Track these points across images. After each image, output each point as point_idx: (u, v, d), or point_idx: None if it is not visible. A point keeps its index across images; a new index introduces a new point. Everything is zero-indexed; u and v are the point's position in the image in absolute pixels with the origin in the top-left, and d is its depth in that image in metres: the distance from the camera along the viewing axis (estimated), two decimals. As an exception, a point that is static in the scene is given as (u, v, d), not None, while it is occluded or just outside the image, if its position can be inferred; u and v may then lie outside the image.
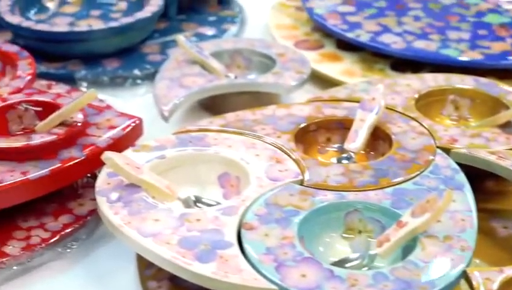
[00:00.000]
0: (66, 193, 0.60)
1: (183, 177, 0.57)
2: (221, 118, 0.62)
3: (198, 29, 0.89)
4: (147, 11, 0.82)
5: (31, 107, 0.62)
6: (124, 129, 0.60)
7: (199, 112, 0.75)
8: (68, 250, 0.57)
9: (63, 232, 0.56)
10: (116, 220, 0.50)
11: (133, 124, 0.61)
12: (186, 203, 0.54)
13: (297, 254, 0.47)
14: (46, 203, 0.59)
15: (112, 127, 0.60)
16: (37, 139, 0.57)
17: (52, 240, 0.56)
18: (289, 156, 0.57)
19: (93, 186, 0.59)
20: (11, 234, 0.56)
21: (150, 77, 0.79)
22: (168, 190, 0.54)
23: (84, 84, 0.78)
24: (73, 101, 0.58)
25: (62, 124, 0.59)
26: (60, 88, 0.72)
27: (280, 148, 0.57)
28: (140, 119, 0.62)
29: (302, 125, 0.60)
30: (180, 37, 0.75)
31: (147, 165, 0.55)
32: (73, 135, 0.58)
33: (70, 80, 0.77)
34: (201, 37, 0.86)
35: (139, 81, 0.79)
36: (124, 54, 0.82)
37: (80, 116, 0.59)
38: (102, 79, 0.78)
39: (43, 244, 0.55)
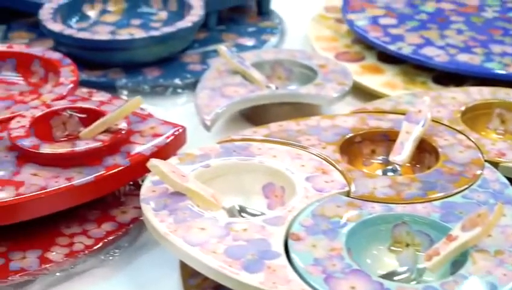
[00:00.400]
0: (108, 200, 0.60)
1: (227, 187, 0.56)
2: (264, 128, 0.62)
3: (238, 40, 0.89)
4: (188, 21, 0.82)
5: (75, 114, 0.62)
6: (168, 137, 0.60)
7: (239, 121, 0.75)
8: (111, 257, 0.56)
9: (106, 240, 0.56)
10: (162, 228, 0.49)
11: (177, 133, 0.61)
12: (231, 212, 0.54)
13: (346, 266, 0.46)
14: (89, 210, 0.59)
15: (156, 135, 0.60)
16: (82, 146, 0.57)
17: (95, 247, 0.56)
18: (335, 167, 0.56)
19: (135, 194, 0.60)
20: (55, 240, 0.56)
21: (190, 86, 0.79)
22: (213, 198, 0.53)
23: (125, 92, 0.78)
24: (119, 108, 0.58)
25: (106, 131, 0.59)
26: (101, 96, 0.72)
27: (325, 159, 0.57)
28: (183, 128, 0.61)
29: (348, 136, 0.60)
30: (222, 47, 0.75)
31: (191, 173, 0.55)
32: (118, 142, 0.58)
33: (110, 88, 0.77)
34: (241, 48, 0.86)
35: (179, 90, 0.79)
36: (164, 63, 0.82)
37: (124, 124, 0.59)
38: (143, 88, 0.78)
39: (86, 251, 0.55)
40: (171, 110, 0.76)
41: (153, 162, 0.52)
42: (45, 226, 0.57)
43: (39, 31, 0.89)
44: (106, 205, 0.59)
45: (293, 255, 0.47)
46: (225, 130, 0.73)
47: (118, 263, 0.56)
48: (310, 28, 0.91)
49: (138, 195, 0.59)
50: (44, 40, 0.86)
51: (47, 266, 0.54)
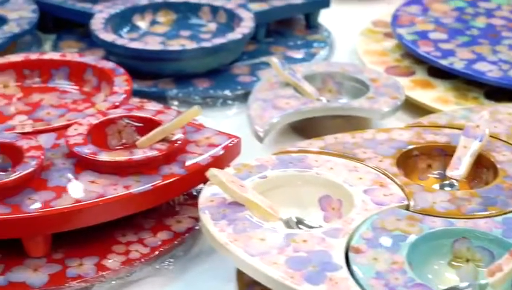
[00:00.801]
0: (163, 209, 0.60)
1: (283, 198, 0.56)
2: (320, 140, 0.62)
3: (287, 52, 0.89)
4: (238, 33, 0.82)
5: (132, 122, 0.62)
6: (224, 148, 0.60)
7: (288, 133, 0.75)
8: (166, 266, 0.56)
9: (161, 249, 0.56)
10: (222, 238, 0.49)
11: (232, 143, 0.61)
12: (288, 224, 0.54)
13: (409, 280, 0.46)
14: (144, 218, 0.59)
15: (211, 145, 0.60)
16: (139, 154, 0.57)
17: (151, 256, 0.56)
18: (393, 180, 0.56)
19: (189, 204, 0.60)
20: (111, 248, 0.56)
21: (240, 98, 0.79)
22: (271, 210, 0.53)
23: (175, 103, 0.78)
24: (177, 118, 0.58)
25: (163, 140, 0.59)
26: (152, 106, 0.73)
27: (383, 173, 0.56)
28: (239, 139, 0.61)
29: (405, 149, 0.59)
30: (274, 59, 0.75)
31: (249, 184, 0.55)
32: (174, 151, 0.58)
33: (161, 99, 0.77)
34: (290, 60, 0.86)
35: (229, 101, 0.79)
36: (214, 74, 0.82)
37: (180, 134, 0.59)
38: (194, 98, 0.79)
39: (143, 260, 0.55)
40: (222, 121, 0.76)
41: (213, 172, 0.52)
42: (101, 233, 0.57)
43: (88, 41, 0.90)
44: (161, 214, 0.60)
45: (354, 267, 0.47)
46: (275, 141, 0.73)
47: (173, 272, 0.56)
48: (358, 42, 0.91)
49: (192, 205, 0.60)
50: (94, 50, 0.87)
51: (104, 273, 0.54)
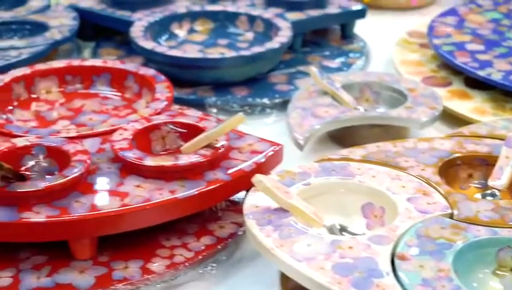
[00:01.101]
0: (205, 214, 0.61)
1: (326, 205, 0.56)
2: (361, 148, 0.62)
3: (323, 62, 0.90)
4: (276, 42, 0.83)
5: (176, 128, 0.63)
6: (266, 154, 0.60)
7: (326, 142, 0.75)
8: (209, 271, 0.57)
9: (205, 253, 0.57)
10: (268, 243, 0.50)
11: (275, 150, 0.61)
12: (331, 231, 0.54)
13: (456, 288, 0.46)
14: (187, 223, 0.60)
15: (254, 152, 0.61)
16: (184, 160, 0.58)
17: (195, 260, 0.56)
18: (436, 189, 0.56)
19: (231, 210, 0.61)
20: (155, 251, 0.57)
21: (278, 106, 0.80)
22: (315, 216, 0.53)
23: (214, 110, 0.79)
24: (221, 124, 0.59)
25: (207, 146, 0.59)
26: (192, 113, 0.73)
27: (426, 181, 0.57)
28: (281, 146, 0.62)
29: (448, 159, 0.60)
30: (313, 68, 0.76)
31: (293, 190, 0.55)
32: (219, 157, 0.59)
33: (199, 106, 0.78)
34: (326, 70, 0.86)
35: (268, 110, 0.80)
36: (252, 82, 0.83)
37: (224, 140, 0.60)
38: (232, 106, 0.79)
39: (187, 264, 0.56)
40: (260, 129, 0.76)
41: (258, 178, 0.53)
42: (145, 237, 0.58)
43: (127, 48, 0.91)
44: (204, 219, 0.60)
45: (400, 274, 0.47)
46: (313, 149, 0.73)
47: (216, 277, 0.57)
48: (394, 52, 0.91)
49: (234, 210, 0.61)
50: (133, 57, 0.88)
51: (149, 276, 0.54)
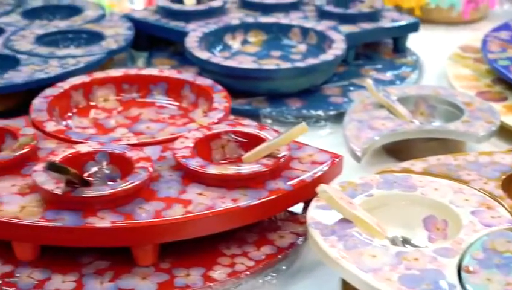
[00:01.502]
0: (264, 223, 0.61)
1: (388, 217, 0.56)
2: (422, 161, 0.62)
3: (376, 75, 0.90)
4: (331, 54, 0.83)
5: (237, 138, 0.63)
6: (328, 165, 0.61)
7: (381, 154, 0.75)
8: (269, 280, 0.57)
9: (265, 262, 0.57)
10: (333, 253, 0.50)
11: (336, 161, 0.61)
12: (394, 242, 0.54)
13: (525, 302, 0.46)
14: (246, 232, 0.60)
15: (314, 163, 0.61)
16: (247, 169, 0.58)
17: (255, 269, 0.56)
18: (499, 203, 0.56)
19: (290, 220, 0.61)
20: (216, 259, 0.57)
21: (332, 118, 0.80)
22: (378, 227, 0.53)
23: (269, 121, 0.79)
24: (284, 134, 0.59)
25: (268, 155, 0.60)
26: (248, 123, 0.73)
27: (489, 195, 0.56)
28: (341, 157, 0.62)
29: (510, 173, 0.59)
30: (369, 81, 0.75)
31: (355, 201, 0.55)
32: (280, 167, 0.59)
33: (253, 117, 0.78)
34: (379, 83, 0.86)
35: (322, 121, 0.80)
36: (306, 94, 0.83)
37: (285, 150, 0.60)
38: (286, 117, 0.79)
39: (248, 272, 0.56)
40: (315, 140, 0.76)
41: (323, 188, 0.53)
42: (205, 245, 0.58)
43: (180, 58, 0.92)
44: (263, 229, 0.60)
45: (468, 287, 0.47)
46: (367, 161, 0.73)
47: (276, 286, 0.57)
48: (447, 67, 0.91)
49: (292, 220, 0.61)
50: (186, 67, 0.89)
51: (211, 284, 0.55)
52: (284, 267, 0.58)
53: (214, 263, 0.57)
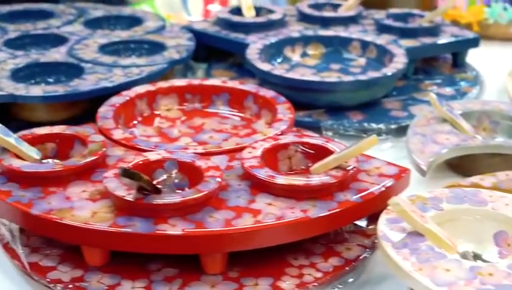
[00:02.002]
0: (330, 235, 0.61)
1: (457, 231, 0.56)
2: (491, 176, 0.62)
3: (436, 90, 0.89)
4: (392, 68, 0.83)
5: (305, 149, 0.63)
6: (395, 178, 0.60)
7: (443, 169, 0.75)
8: (336, 292, 0.57)
9: (333, 274, 0.57)
10: (406, 266, 0.50)
11: (404, 175, 0.61)
12: (464, 257, 0.54)
13: None
14: (313, 243, 0.60)
15: (382, 175, 0.61)
16: (316, 180, 0.58)
17: (323, 280, 0.56)
18: None
19: (355, 232, 0.61)
20: (284, 270, 0.57)
21: (393, 132, 0.80)
22: (450, 242, 0.53)
23: (329, 133, 0.79)
24: (354, 146, 0.59)
25: (336, 167, 0.60)
26: (311, 135, 0.74)
27: (562, 212, 0.56)
28: (408, 171, 0.62)
29: None
30: (432, 95, 0.75)
31: (426, 214, 0.55)
32: (348, 179, 0.59)
33: (314, 129, 0.78)
34: (439, 98, 0.85)
35: (383, 135, 0.79)
36: (366, 107, 0.83)
37: (353, 162, 0.60)
38: (347, 130, 0.79)
39: (316, 284, 0.56)
40: (376, 154, 0.76)
41: (395, 200, 0.53)
42: (273, 255, 0.58)
43: (238, 70, 0.93)
44: (329, 240, 0.60)
45: (546, 304, 0.46)
46: (430, 176, 0.72)
47: (342, 298, 0.57)
48: (508, 82, 0.90)
49: (358, 232, 0.61)
50: (245, 79, 0.89)
51: (279, 294, 0.55)
52: (351, 280, 0.58)
53: (282, 273, 0.57)
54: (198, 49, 0.94)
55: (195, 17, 1.16)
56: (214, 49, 0.96)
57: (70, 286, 0.56)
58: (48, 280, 0.56)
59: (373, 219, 0.61)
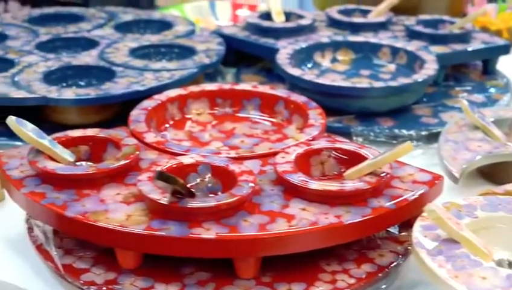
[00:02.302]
0: (363, 241, 0.61)
1: (492, 239, 0.56)
2: (526, 184, 0.61)
3: (467, 97, 0.89)
4: (423, 74, 0.83)
5: (338, 154, 0.63)
6: (429, 185, 0.60)
7: (473, 176, 0.74)
8: (369, 298, 0.57)
9: (366, 280, 0.57)
10: (442, 273, 0.49)
11: (437, 182, 0.61)
12: (500, 265, 0.53)
13: None
14: (346, 249, 0.60)
15: (416, 182, 0.61)
16: (350, 185, 0.58)
17: (357, 286, 0.56)
18: None
19: (388, 238, 0.60)
20: (317, 275, 0.57)
21: (423, 139, 0.79)
22: (485, 249, 0.53)
23: (360, 139, 0.79)
24: (388, 152, 0.59)
25: (370, 173, 0.59)
26: (343, 140, 0.73)
27: None
28: (442, 178, 0.62)
29: None
30: (464, 102, 0.75)
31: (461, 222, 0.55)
32: (382, 185, 0.59)
33: (344, 134, 0.78)
34: (470, 104, 0.85)
35: (414, 142, 0.79)
36: (396, 114, 0.83)
37: (387, 168, 0.60)
38: (377, 136, 0.79)
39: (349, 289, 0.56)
40: (407, 160, 0.75)
41: (431, 207, 0.53)
42: (306, 260, 0.58)
43: (267, 75, 0.93)
44: (362, 246, 0.60)
45: None
46: (462, 183, 0.72)
47: (375, 305, 0.57)
48: (539, 90, 0.90)
49: (392, 239, 0.60)
50: (274, 84, 0.89)
51: (310, 299, 0.55)
52: (383, 286, 0.58)
53: (315, 278, 0.57)
54: (227, 54, 0.94)
55: (224, 21, 1.17)
56: (243, 53, 0.97)
57: (104, 288, 0.56)
58: (82, 282, 0.57)
59: (405, 225, 0.61)
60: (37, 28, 0.97)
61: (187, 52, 0.90)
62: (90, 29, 0.97)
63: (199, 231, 0.54)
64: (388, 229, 0.62)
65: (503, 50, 0.94)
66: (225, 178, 0.60)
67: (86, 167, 0.61)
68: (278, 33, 0.94)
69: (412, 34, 0.94)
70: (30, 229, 0.63)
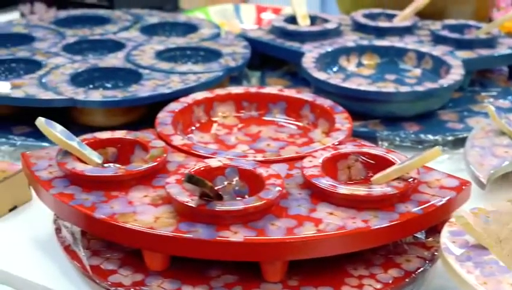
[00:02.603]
0: (390, 246, 0.61)
1: (520, 246, 0.55)
2: (554, 191, 0.61)
3: (492, 102, 0.88)
4: (449, 79, 0.83)
5: (365, 159, 0.63)
6: (456, 191, 0.60)
7: (499, 183, 0.74)
8: (398, 303, 0.57)
9: (393, 285, 0.57)
10: (471, 280, 0.49)
11: (464, 187, 0.61)
12: (528, 272, 0.53)
13: None
14: (372, 254, 0.60)
15: (443, 188, 0.60)
16: (377, 190, 0.58)
17: (384, 291, 0.56)
18: None
19: (415, 243, 0.60)
20: (344, 280, 0.57)
21: (449, 144, 0.79)
22: (514, 256, 0.53)
23: (385, 144, 0.79)
24: (416, 157, 0.59)
25: (397, 178, 0.59)
26: (369, 145, 0.73)
27: None
28: (469, 183, 0.61)
29: None
30: (491, 107, 0.75)
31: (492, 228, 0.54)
32: (410, 190, 0.59)
33: (369, 139, 0.78)
34: (497, 110, 0.85)
35: (440, 147, 0.79)
36: (421, 119, 0.83)
37: (414, 173, 0.60)
38: (403, 141, 0.79)
39: (376, 295, 0.56)
40: (433, 166, 0.75)
41: (460, 213, 0.53)
42: (332, 264, 0.58)
43: (291, 78, 0.93)
44: (388, 251, 0.60)
45: None
46: (486, 189, 0.72)
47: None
48: None
49: (419, 245, 0.60)
50: (299, 87, 0.89)
51: (333, 304, 0.55)
52: (410, 292, 0.58)
53: (341, 283, 0.57)
54: (252, 57, 0.94)
55: (248, 25, 1.17)
56: (268, 57, 0.97)
57: (131, 289, 0.56)
58: (109, 283, 0.57)
59: (432, 231, 0.61)
60: (64, 30, 0.98)
61: (213, 55, 0.90)
62: (116, 32, 0.97)
63: (227, 234, 0.55)
64: (415, 234, 0.62)
65: (530, 55, 0.93)
66: (252, 181, 0.60)
67: (114, 169, 0.61)
68: (304, 37, 0.94)
69: (438, 39, 0.93)
70: (58, 230, 0.63)
